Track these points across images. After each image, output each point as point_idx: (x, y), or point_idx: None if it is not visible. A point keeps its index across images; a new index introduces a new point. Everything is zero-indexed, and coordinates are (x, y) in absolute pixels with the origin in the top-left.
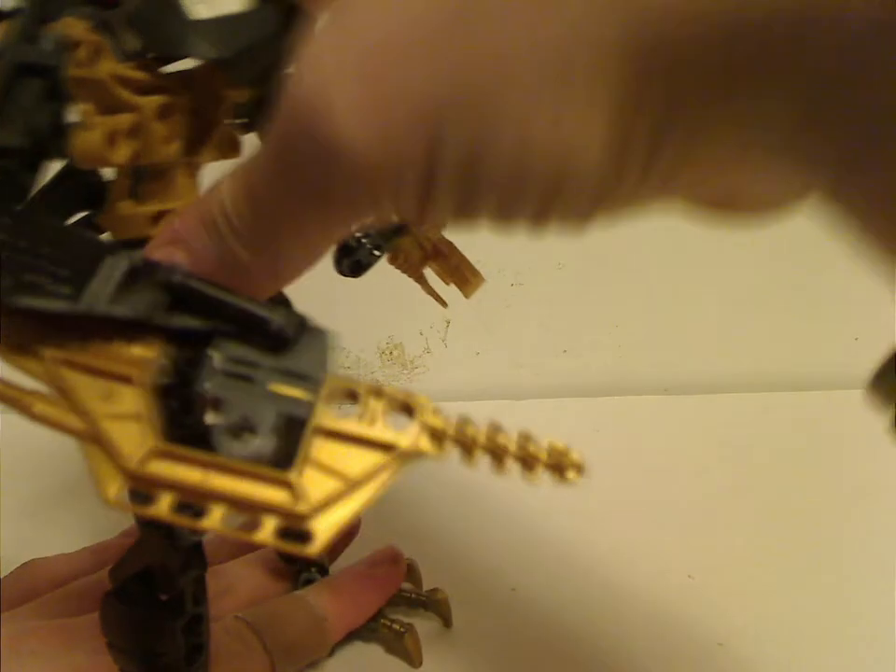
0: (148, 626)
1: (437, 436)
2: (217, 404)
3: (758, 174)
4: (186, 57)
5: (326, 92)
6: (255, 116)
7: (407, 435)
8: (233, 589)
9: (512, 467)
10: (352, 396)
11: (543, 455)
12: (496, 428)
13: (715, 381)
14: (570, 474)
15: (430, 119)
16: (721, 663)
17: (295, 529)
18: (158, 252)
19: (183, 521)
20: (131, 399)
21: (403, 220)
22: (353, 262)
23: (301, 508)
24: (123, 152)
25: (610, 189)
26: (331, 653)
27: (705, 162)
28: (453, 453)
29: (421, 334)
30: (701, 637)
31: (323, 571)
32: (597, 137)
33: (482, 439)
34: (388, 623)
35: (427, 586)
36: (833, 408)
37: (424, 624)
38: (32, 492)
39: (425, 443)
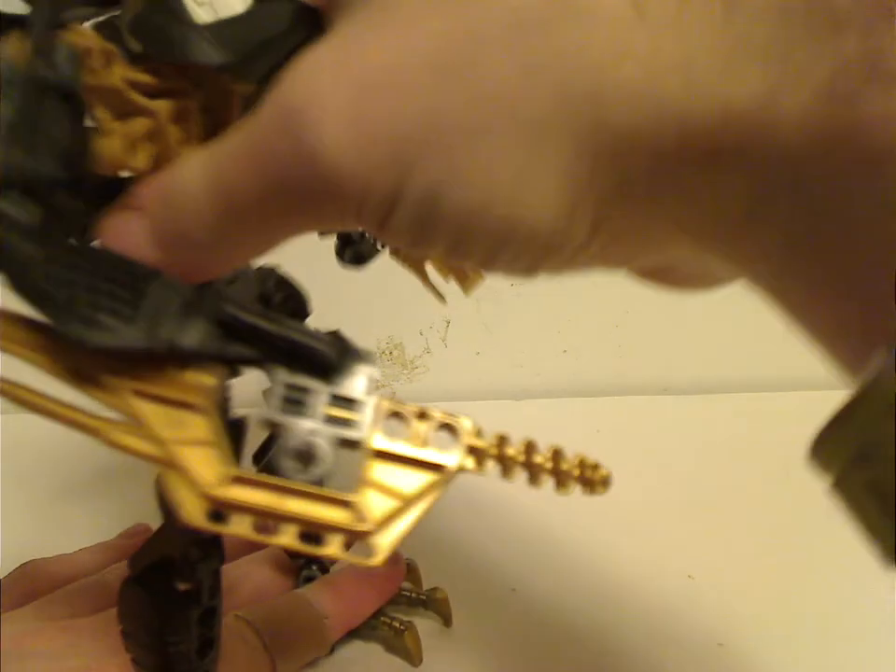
0: (164, 614)
1: (479, 456)
2: (278, 430)
3: (695, 257)
4: (189, 63)
5: (318, 107)
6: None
7: (453, 456)
8: (235, 587)
9: (547, 480)
10: (398, 417)
11: (576, 471)
12: (531, 446)
13: (715, 381)
14: (600, 489)
15: (403, 156)
16: (721, 663)
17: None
18: (116, 216)
19: (261, 539)
20: (199, 426)
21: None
22: (355, 253)
23: (364, 527)
24: (144, 157)
25: (554, 249)
26: (331, 652)
27: (644, 239)
28: (493, 469)
29: (421, 334)
30: (701, 637)
31: (324, 569)
32: (548, 203)
33: (520, 457)
34: (388, 622)
35: (426, 586)
36: (832, 408)
37: (423, 623)
38: (32, 492)
39: (469, 463)
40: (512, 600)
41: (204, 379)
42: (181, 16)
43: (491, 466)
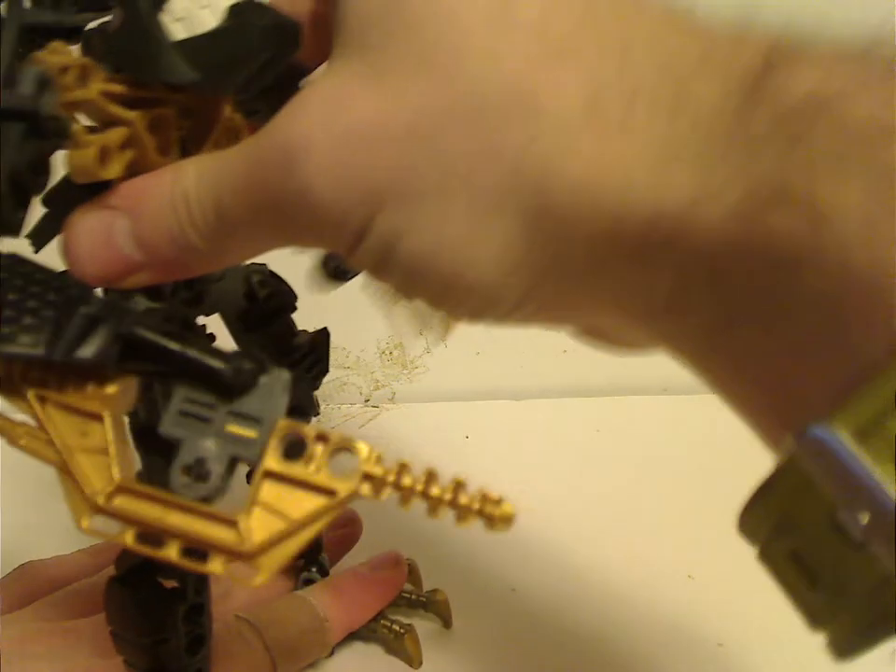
0: (151, 612)
1: (376, 483)
2: (173, 444)
3: (624, 328)
4: (160, 81)
5: (307, 150)
6: (259, 105)
7: (348, 482)
8: (235, 589)
9: (446, 512)
10: (299, 439)
11: (476, 505)
12: (432, 477)
13: None
14: (500, 526)
15: (371, 202)
16: (721, 663)
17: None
18: (92, 214)
19: (144, 550)
20: (100, 435)
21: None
22: (335, 268)
23: (245, 547)
24: (116, 167)
25: (491, 303)
26: (331, 653)
27: (575, 309)
28: (390, 497)
29: (421, 334)
30: (701, 637)
31: (323, 572)
32: (488, 265)
33: (418, 488)
34: (388, 624)
35: (427, 586)
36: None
37: (423, 624)
38: (32, 492)
39: (365, 490)
40: (512, 600)
41: (107, 389)
42: (155, 34)
43: (388, 493)
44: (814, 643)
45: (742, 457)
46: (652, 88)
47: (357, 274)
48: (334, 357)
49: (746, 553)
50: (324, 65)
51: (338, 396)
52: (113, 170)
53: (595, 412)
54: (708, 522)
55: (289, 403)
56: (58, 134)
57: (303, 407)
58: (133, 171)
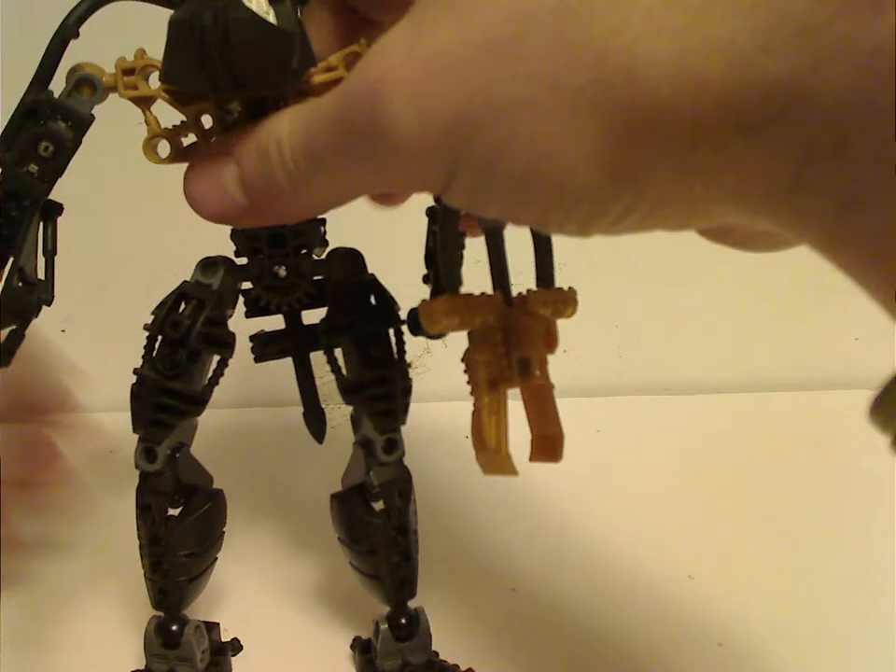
0: (362, 526)
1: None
2: None
3: (747, 221)
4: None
5: (389, 85)
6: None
7: None
8: None
9: None
10: None
11: None
12: None
13: (715, 381)
14: None
15: (458, 128)
16: (721, 663)
17: None
18: (208, 161)
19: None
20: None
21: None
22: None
23: None
24: (167, 153)
25: (599, 211)
26: None
27: (690, 205)
28: None
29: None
30: (701, 637)
31: None
32: (590, 169)
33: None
34: None
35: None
36: (832, 408)
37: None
38: None
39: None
40: (512, 600)
41: None
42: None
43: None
44: (814, 643)
45: (742, 457)
46: None
47: None
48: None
49: (746, 553)
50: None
51: (338, 396)
52: (165, 156)
53: (595, 412)
54: (708, 522)
55: None
56: (70, 121)
57: None
58: (185, 155)
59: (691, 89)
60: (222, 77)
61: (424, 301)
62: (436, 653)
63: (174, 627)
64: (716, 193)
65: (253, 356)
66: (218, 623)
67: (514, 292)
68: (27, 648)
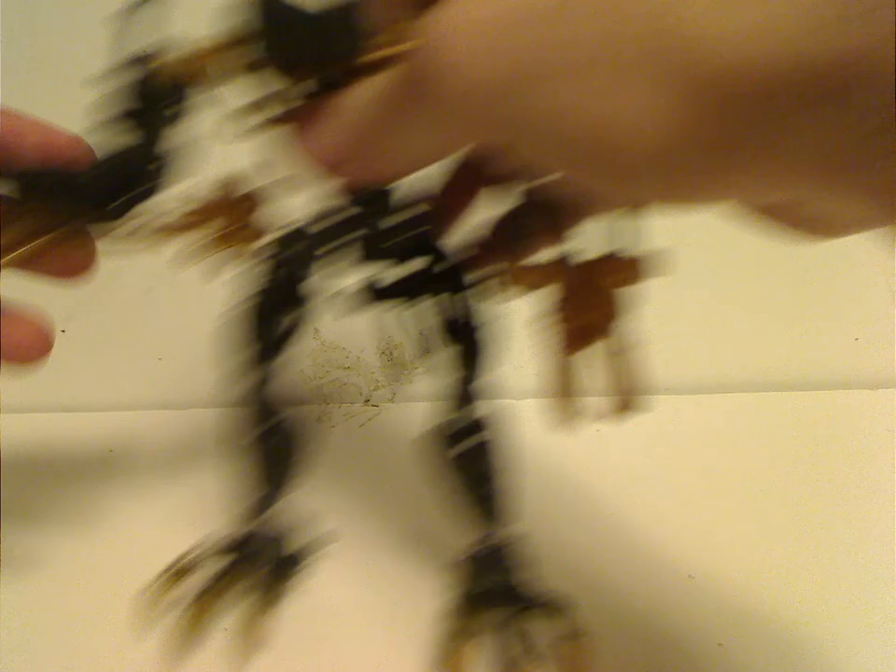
0: (454, 457)
1: None
2: None
3: (814, 193)
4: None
5: (455, 36)
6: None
7: None
8: None
9: None
10: None
11: None
12: None
13: (715, 381)
14: None
15: (522, 78)
16: (721, 663)
17: None
18: (308, 123)
19: None
20: None
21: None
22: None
23: None
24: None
25: (662, 175)
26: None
27: (758, 172)
28: None
29: (421, 334)
30: (701, 637)
31: None
32: (657, 134)
33: None
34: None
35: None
36: (833, 408)
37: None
38: (33, 492)
39: None
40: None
41: None
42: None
43: None
44: (814, 644)
45: (742, 457)
46: None
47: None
48: (334, 356)
49: (746, 553)
50: None
51: (338, 396)
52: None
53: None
54: (709, 521)
55: None
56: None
57: None
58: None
59: (762, 58)
60: (302, 52)
61: (505, 265)
62: (532, 582)
63: (267, 509)
64: (783, 165)
65: (366, 301)
66: (316, 517)
67: (584, 259)
68: (25, 649)
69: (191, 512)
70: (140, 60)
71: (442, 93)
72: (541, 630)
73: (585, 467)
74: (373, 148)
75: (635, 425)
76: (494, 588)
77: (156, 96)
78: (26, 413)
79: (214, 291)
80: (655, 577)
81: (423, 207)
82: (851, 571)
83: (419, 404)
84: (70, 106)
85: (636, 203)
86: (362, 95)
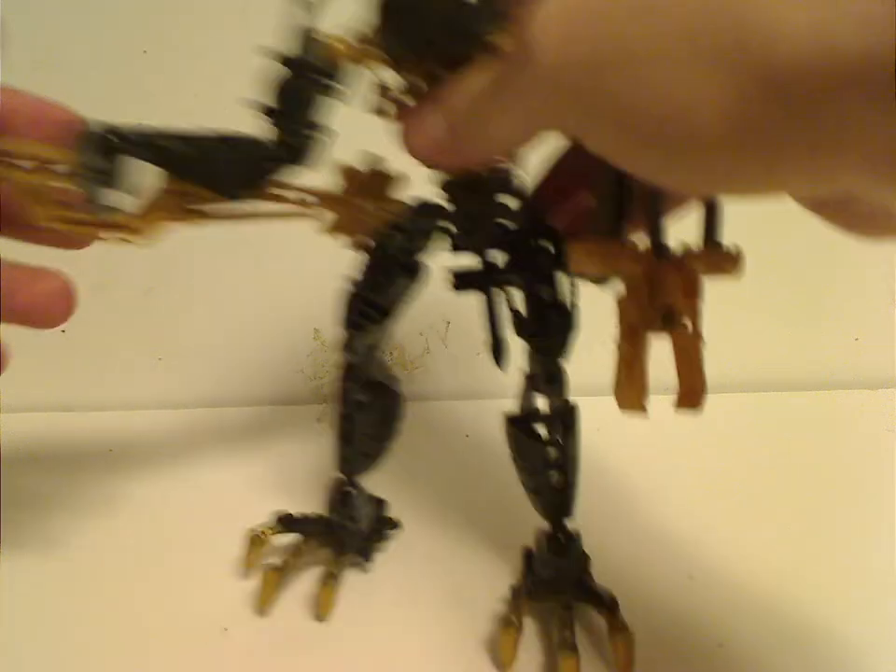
0: (526, 446)
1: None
2: None
3: (870, 188)
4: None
5: (543, 29)
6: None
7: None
8: None
9: None
10: None
11: None
12: None
13: (715, 381)
14: None
15: (601, 65)
16: (721, 663)
17: None
18: (422, 107)
19: None
20: None
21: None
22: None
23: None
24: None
25: (727, 162)
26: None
27: (815, 164)
28: None
29: (421, 334)
30: (701, 637)
31: None
32: (722, 120)
33: None
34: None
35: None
36: (833, 408)
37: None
38: (32, 492)
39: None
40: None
41: None
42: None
43: None
44: (815, 645)
45: (742, 457)
46: None
47: None
48: (334, 357)
49: (747, 554)
50: None
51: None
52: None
53: (595, 412)
54: (709, 521)
55: None
56: (322, 74)
57: None
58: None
59: (827, 54)
60: (421, 45)
61: (572, 241)
62: (591, 577)
63: (348, 489)
64: (843, 158)
65: (452, 285)
66: (385, 500)
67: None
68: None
69: (202, 509)
70: (305, 37)
71: (535, 74)
72: (592, 622)
73: (585, 466)
74: (469, 136)
75: (635, 425)
76: (553, 578)
77: (318, 69)
78: (26, 412)
79: (214, 292)
80: (655, 577)
81: (521, 199)
82: (852, 571)
83: (419, 404)
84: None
85: (700, 192)
86: (465, 84)
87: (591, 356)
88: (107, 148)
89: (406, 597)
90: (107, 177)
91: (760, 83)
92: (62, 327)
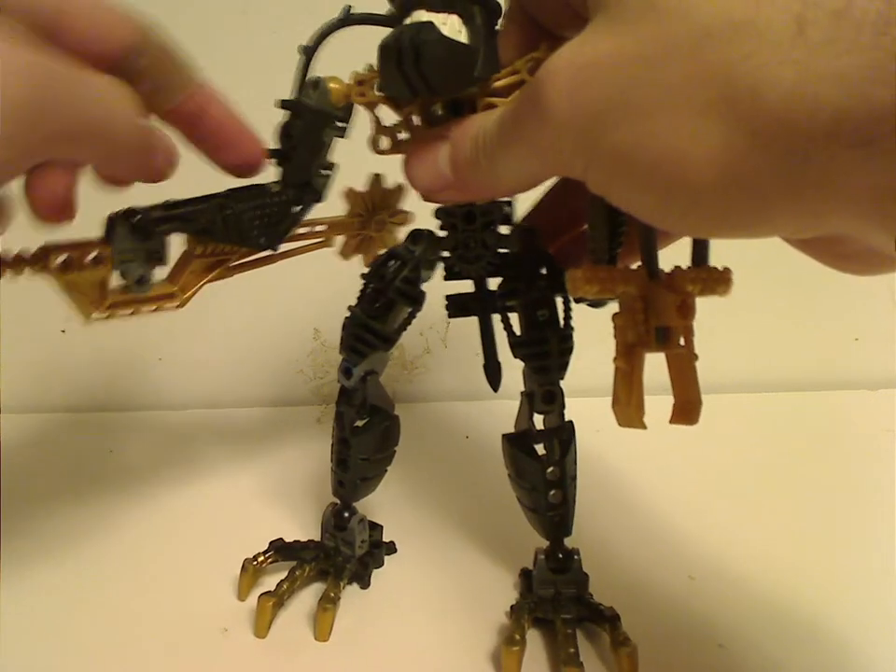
0: (524, 465)
1: None
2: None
3: (855, 227)
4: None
5: (551, 82)
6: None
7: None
8: None
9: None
10: None
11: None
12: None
13: (715, 381)
14: None
15: (604, 115)
16: (721, 663)
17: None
18: (429, 142)
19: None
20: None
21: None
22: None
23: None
24: (388, 143)
25: (716, 206)
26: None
27: (800, 207)
28: None
29: (421, 335)
30: (701, 637)
31: None
32: (712, 166)
33: None
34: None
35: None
36: (833, 408)
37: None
38: (32, 492)
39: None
40: (509, 600)
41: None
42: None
43: None
44: (815, 645)
45: (742, 457)
46: (859, 7)
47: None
48: (334, 357)
49: (747, 554)
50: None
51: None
52: (386, 148)
53: (594, 412)
54: (709, 522)
55: None
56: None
57: None
58: (399, 147)
59: (807, 109)
60: (419, 85)
61: (570, 268)
62: (590, 595)
63: (344, 514)
64: (827, 202)
65: (446, 312)
66: (382, 526)
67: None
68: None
69: (201, 515)
70: (315, 83)
71: (545, 119)
72: (595, 635)
73: (585, 467)
74: (476, 174)
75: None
76: (553, 596)
77: (329, 112)
78: (26, 413)
79: (214, 292)
80: (656, 577)
81: (515, 227)
82: (852, 571)
83: (419, 404)
84: None
85: (693, 233)
86: (471, 124)
87: (591, 356)
88: (135, 230)
89: (407, 604)
90: (140, 256)
91: (747, 134)
92: (61, 326)
